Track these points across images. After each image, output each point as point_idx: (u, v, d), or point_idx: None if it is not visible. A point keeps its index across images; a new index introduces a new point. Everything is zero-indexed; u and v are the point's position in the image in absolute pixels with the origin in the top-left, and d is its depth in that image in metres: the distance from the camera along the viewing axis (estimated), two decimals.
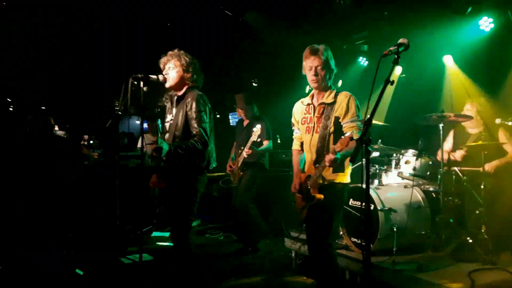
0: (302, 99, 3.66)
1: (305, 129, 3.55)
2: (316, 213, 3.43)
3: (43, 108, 8.09)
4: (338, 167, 3.35)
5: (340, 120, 3.35)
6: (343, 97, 3.38)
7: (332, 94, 3.43)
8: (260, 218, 5.99)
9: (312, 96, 3.56)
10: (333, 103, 3.40)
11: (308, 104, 3.56)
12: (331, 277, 3.46)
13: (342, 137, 3.02)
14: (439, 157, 4.92)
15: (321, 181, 3.39)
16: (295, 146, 3.76)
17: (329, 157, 3.13)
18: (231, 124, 10.04)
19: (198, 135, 3.58)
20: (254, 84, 8.94)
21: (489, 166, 4.64)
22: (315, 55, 3.34)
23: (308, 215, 3.49)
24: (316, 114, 3.47)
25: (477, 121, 4.91)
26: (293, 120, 3.72)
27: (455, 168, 4.66)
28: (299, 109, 3.65)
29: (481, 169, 4.52)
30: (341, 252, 4.60)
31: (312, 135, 3.47)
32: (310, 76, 3.40)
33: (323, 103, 3.45)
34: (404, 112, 5.58)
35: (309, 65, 3.37)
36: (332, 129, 3.37)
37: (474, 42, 5.58)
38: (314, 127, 3.47)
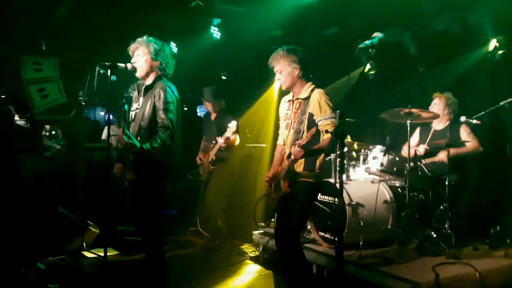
0: (285, 97, 3.74)
1: (285, 125, 3.63)
2: (284, 206, 3.46)
3: (2, 96, 7.76)
4: (310, 164, 3.42)
5: (314, 117, 3.40)
6: (315, 94, 3.45)
7: (309, 90, 3.50)
8: (227, 213, 5.96)
9: (293, 93, 3.63)
10: (308, 97, 3.46)
11: (289, 101, 3.64)
12: (298, 273, 3.48)
13: (309, 130, 3.16)
14: (403, 153, 5.01)
15: (292, 175, 3.42)
16: (279, 140, 3.81)
17: (294, 148, 3.22)
18: (198, 115, 9.91)
19: (165, 126, 3.47)
20: (223, 78, 8.85)
21: (443, 155, 4.73)
22: (273, 62, 3.53)
23: (277, 207, 3.52)
24: (293, 110, 3.55)
25: (443, 116, 5.01)
26: (279, 115, 3.81)
27: (421, 163, 4.73)
28: (283, 106, 3.74)
29: (437, 159, 4.64)
30: (309, 246, 4.61)
31: (289, 131, 3.55)
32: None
33: (299, 98, 3.53)
34: (372, 108, 5.63)
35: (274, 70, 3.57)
36: (306, 124, 3.41)
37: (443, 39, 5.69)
38: (291, 123, 3.55)
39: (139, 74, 3.63)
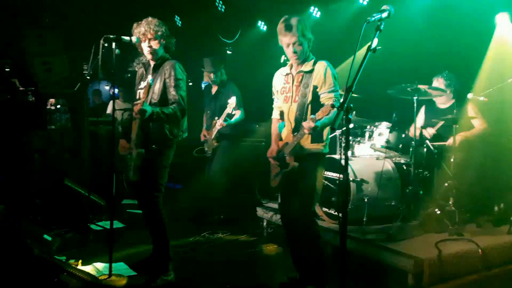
0: (281, 70, 3.65)
1: (284, 99, 3.56)
2: (290, 181, 3.45)
3: (7, 70, 7.73)
4: (317, 136, 3.38)
5: (317, 90, 3.35)
6: (320, 66, 3.38)
7: (311, 62, 3.43)
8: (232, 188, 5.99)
9: (291, 66, 3.54)
10: (311, 71, 3.39)
11: (287, 74, 3.56)
12: (311, 249, 3.48)
13: (324, 105, 3.02)
14: (411, 133, 4.99)
15: (299, 150, 3.38)
16: (275, 115, 3.78)
17: (308, 124, 3.12)
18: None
19: (177, 102, 3.56)
20: (228, 52, 8.77)
21: (451, 139, 4.69)
22: (290, 31, 3.29)
23: (281, 183, 3.51)
24: (295, 83, 3.47)
25: (447, 95, 4.96)
26: (273, 89, 3.72)
27: (427, 142, 4.71)
28: (279, 80, 3.65)
29: (447, 143, 4.59)
30: None
31: (291, 104, 3.48)
32: (289, 53, 3.38)
33: (301, 71, 3.44)
34: (379, 83, 5.56)
35: (286, 42, 3.35)
36: (310, 98, 3.37)
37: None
38: (292, 96, 3.48)
39: (152, 57, 3.67)
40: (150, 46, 3.62)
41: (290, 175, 3.43)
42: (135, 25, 3.67)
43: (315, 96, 3.36)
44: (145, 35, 3.59)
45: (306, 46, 3.37)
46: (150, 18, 3.65)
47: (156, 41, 3.63)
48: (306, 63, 3.43)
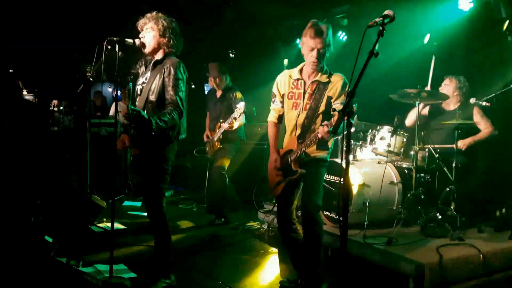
0: (289, 72, 3.54)
1: (292, 105, 3.47)
2: (294, 187, 3.45)
3: (11, 71, 7.78)
4: (323, 144, 3.37)
5: (332, 100, 3.33)
6: (338, 78, 3.35)
7: (327, 74, 3.39)
8: (234, 191, 5.99)
9: (301, 70, 3.47)
10: (328, 82, 3.36)
11: (298, 79, 3.46)
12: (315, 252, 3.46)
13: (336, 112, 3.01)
14: (407, 122, 5.00)
15: (304, 156, 3.37)
16: (272, 118, 3.64)
17: (323, 129, 3.08)
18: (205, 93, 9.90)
19: (174, 103, 3.45)
20: (231, 55, 8.79)
21: (461, 143, 4.71)
22: (320, 36, 3.23)
23: (284, 190, 3.48)
24: (308, 91, 3.40)
25: (453, 97, 4.96)
26: (275, 91, 3.59)
27: (429, 146, 4.71)
28: (286, 82, 3.53)
29: (454, 146, 4.59)
30: None
31: (300, 112, 3.41)
32: (311, 57, 3.31)
33: (317, 81, 3.39)
34: (381, 87, 5.56)
35: (312, 46, 3.27)
36: (323, 108, 3.34)
37: (453, 20, 5.58)
38: (303, 103, 3.41)
39: (146, 50, 3.58)
40: (149, 39, 3.54)
41: (295, 181, 3.42)
42: (141, 17, 3.60)
43: (328, 106, 3.32)
44: (146, 28, 3.54)
45: (327, 54, 3.33)
46: (158, 13, 3.59)
47: (158, 35, 3.54)
48: (321, 73, 3.37)
